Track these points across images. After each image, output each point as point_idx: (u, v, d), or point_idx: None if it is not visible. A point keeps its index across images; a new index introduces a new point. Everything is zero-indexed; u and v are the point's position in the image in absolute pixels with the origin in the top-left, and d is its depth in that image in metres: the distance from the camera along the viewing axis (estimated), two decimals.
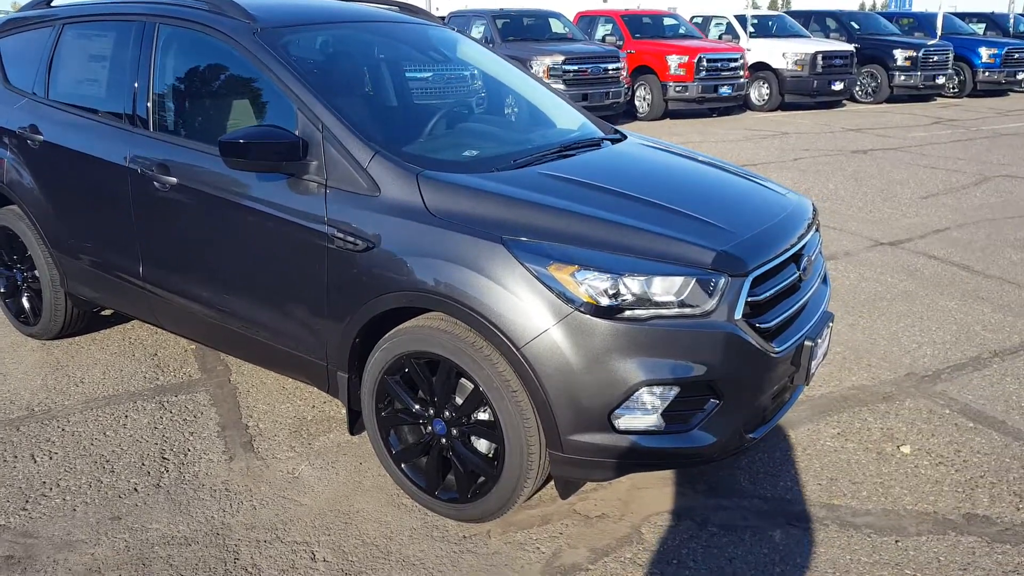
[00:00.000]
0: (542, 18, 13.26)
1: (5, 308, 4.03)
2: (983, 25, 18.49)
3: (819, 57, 13.48)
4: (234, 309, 2.89)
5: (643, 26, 13.81)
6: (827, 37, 15.61)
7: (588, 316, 2.13)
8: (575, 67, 11.37)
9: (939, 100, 15.71)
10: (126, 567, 2.34)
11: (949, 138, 10.69)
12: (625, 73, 11.97)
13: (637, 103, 12.93)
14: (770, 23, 15.17)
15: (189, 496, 2.69)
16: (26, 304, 3.89)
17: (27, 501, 2.66)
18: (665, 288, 2.17)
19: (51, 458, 2.92)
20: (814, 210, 2.87)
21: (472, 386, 2.32)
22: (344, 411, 2.91)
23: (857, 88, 14.98)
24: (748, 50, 13.69)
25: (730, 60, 12.73)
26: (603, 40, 13.38)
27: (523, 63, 11.54)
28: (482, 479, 2.41)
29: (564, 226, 2.28)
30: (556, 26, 13.23)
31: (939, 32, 15.98)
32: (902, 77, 14.66)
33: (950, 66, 15.33)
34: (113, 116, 3.23)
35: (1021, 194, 7.30)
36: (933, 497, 2.70)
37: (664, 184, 2.81)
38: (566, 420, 2.19)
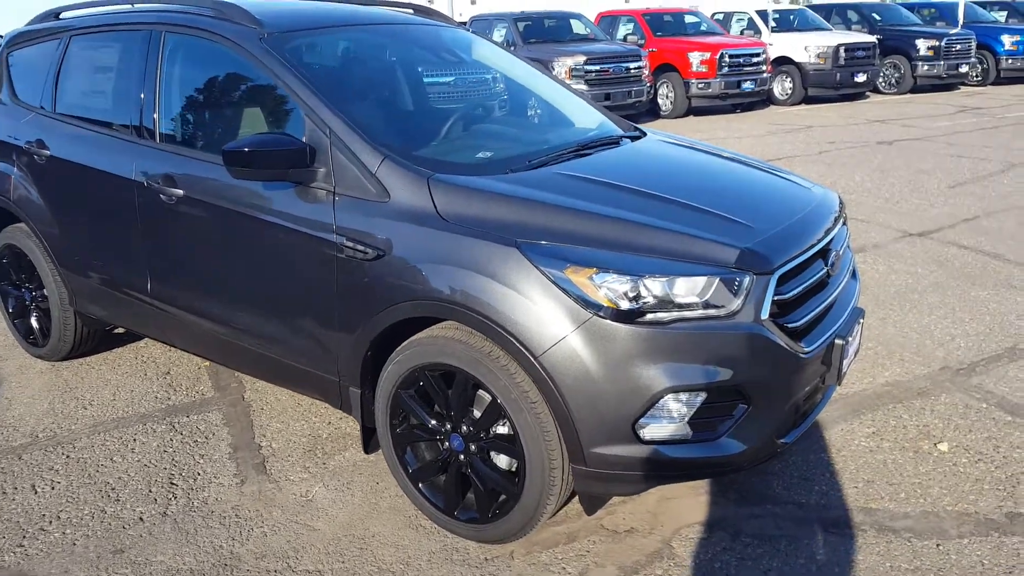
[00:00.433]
0: (563, 19, 13.23)
1: (14, 329, 3.97)
2: (1004, 12, 18.15)
3: (841, 50, 13.33)
4: (243, 324, 2.82)
5: (664, 24, 13.73)
6: (849, 29, 15.41)
7: (608, 321, 2.04)
8: (597, 67, 11.30)
9: (963, 89, 15.43)
10: None
11: (974, 126, 10.45)
12: (647, 72, 11.88)
13: (660, 101, 12.82)
14: (791, 17, 15.07)
15: (197, 524, 2.59)
16: (35, 324, 3.84)
17: (24, 537, 2.55)
18: (688, 289, 2.07)
19: (53, 488, 2.82)
20: (841, 203, 2.75)
21: (490, 398, 2.22)
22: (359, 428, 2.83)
23: (880, 79, 14.79)
24: (770, 44, 13.55)
25: (752, 55, 12.59)
26: (625, 39, 13.33)
27: (545, 65, 11.50)
28: (503, 497, 2.31)
29: (582, 227, 2.18)
30: (577, 27, 13.18)
31: (961, 21, 15.73)
32: (925, 67, 14.45)
33: (973, 54, 15.08)
34: (119, 128, 3.19)
35: None
36: (974, 496, 2.58)
37: (685, 181, 2.71)
38: (588, 432, 2.09)
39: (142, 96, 3.09)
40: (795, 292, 2.23)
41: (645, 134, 3.25)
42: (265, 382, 3.40)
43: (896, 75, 14.79)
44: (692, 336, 2.05)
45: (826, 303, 2.38)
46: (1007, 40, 15.47)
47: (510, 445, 2.24)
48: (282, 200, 2.57)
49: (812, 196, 2.66)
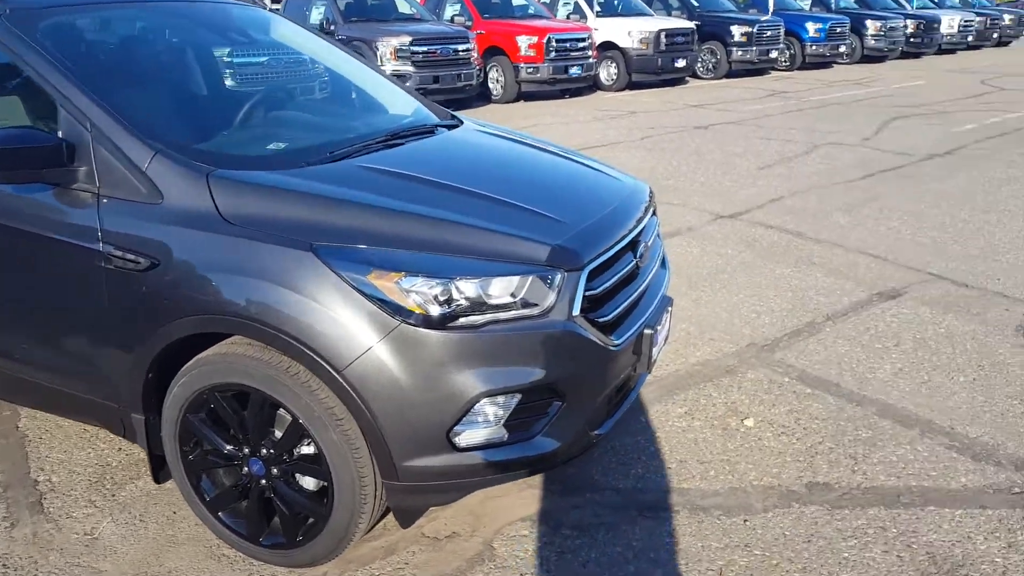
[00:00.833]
0: None
1: None
2: (809, 1, 19.79)
3: (663, 35, 13.77)
4: (8, 349, 2.45)
5: (492, 6, 13.62)
6: (669, 15, 16.11)
7: (418, 328, 1.93)
8: (424, 48, 11.03)
9: (773, 73, 16.67)
10: None
11: (782, 110, 11.33)
12: (476, 54, 11.75)
13: (491, 85, 12.75)
14: (616, 2, 15.40)
15: None
16: None
17: None
18: (503, 289, 2.01)
19: None
20: (651, 194, 2.80)
21: (291, 418, 2.05)
22: None
23: (699, 64, 15.58)
24: (595, 29, 13.82)
25: (578, 40, 12.78)
26: (452, 20, 13.09)
27: (368, 45, 11.09)
28: (311, 520, 2.16)
29: (386, 227, 2.05)
30: (403, 6, 12.80)
31: (771, 8, 16.89)
32: (739, 52, 15.39)
33: (782, 41, 16.29)
34: None
35: (845, 160, 7.80)
36: (776, 469, 2.73)
37: (496, 174, 2.65)
38: (400, 445, 1.99)
39: None
40: (605, 286, 2.23)
41: (462, 122, 3.15)
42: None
43: (713, 60, 15.68)
44: (506, 338, 2.01)
45: (635, 295, 2.41)
46: (811, 27, 16.88)
47: (316, 466, 2.09)
48: (39, 206, 2.23)
49: (623, 187, 2.69)
